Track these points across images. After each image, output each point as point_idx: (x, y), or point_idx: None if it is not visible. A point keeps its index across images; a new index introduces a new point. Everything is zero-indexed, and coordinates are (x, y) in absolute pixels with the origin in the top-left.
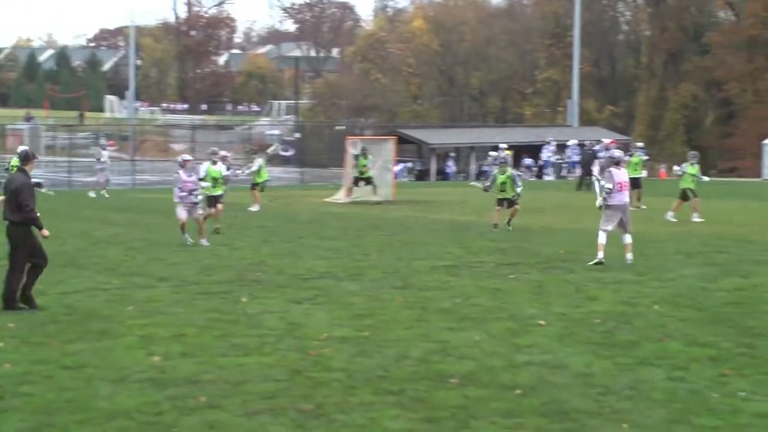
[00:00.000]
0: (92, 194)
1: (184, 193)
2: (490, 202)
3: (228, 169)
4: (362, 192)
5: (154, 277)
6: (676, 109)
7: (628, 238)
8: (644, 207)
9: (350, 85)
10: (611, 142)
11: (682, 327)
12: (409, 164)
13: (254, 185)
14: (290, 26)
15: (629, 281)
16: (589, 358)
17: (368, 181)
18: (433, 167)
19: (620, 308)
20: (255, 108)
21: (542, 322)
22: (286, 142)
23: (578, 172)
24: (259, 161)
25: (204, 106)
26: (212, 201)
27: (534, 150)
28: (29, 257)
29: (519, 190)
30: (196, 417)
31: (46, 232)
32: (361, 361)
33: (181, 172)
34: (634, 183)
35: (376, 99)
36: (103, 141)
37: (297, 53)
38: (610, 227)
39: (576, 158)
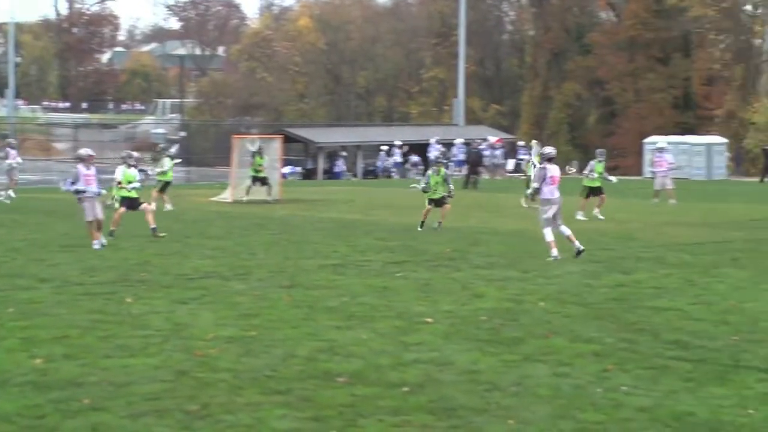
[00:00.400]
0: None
1: (87, 187)
2: (376, 200)
3: (140, 171)
4: (258, 192)
5: (35, 278)
6: (560, 108)
7: (566, 230)
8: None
9: (236, 84)
10: (497, 141)
11: (566, 323)
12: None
13: (165, 185)
14: (175, 24)
15: (515, 278)
16: (476, 355)
17: (264, 181)
18: (320, 166)
19: (506, 305)
20: (139, 106)
21: (429, 320)
22: (172, 141)
23: (464, 170)
24: (168, 161)
25: (85, 105)
26: (132, 203)
27: (421, 148)
28: None
29: (452, 188)
30: (79, 420)
31: None
32: (247, 361)
33: (80, 166)
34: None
35: (262, 97)
36: (12, 141)
37: (182, 51)
38: (550, 222)
39: (462, 157)
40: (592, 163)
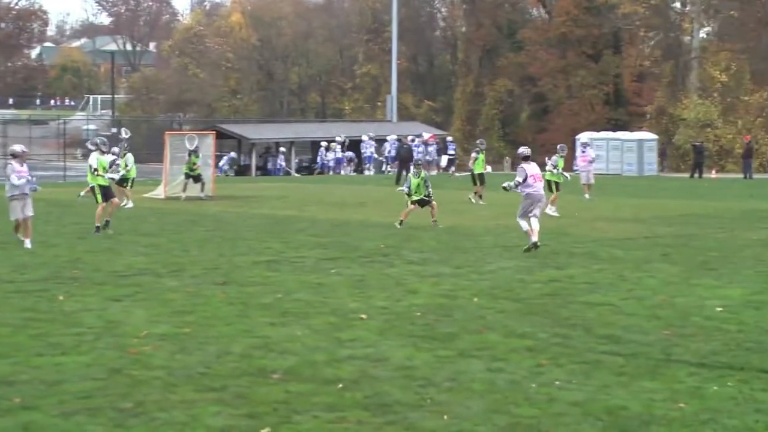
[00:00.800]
0: None
1: (22, 182)
2: (310, 196)
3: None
4: (192, 189)
5: None
6: (492, 104)
7: (536, 224)
8: (483, 203)
9: (168, 80)
10: (430, 137)
11: (500, 319)
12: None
13: (125, 181)
14: (105, 19)
15: (448, 274)
16: (410, 350)
17: (197, 178)
18: (254, 162)
19: (440, 301)
20: (69, 102)
21: (364, 316)
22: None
23: (395, 166)
24: (131, 157)
25: (12, 101)
26: (107, 192)
27: (355, 145)
28: None
29: (430, 191)
30: (9, 419)
31: None
32: (181, 358)
33: (14, 162)
34: (480, 178)
35: (194, 94)
36: None
37: (113, 47)
38: (527, 214)
39: (394, 153)
40: (554, 158)
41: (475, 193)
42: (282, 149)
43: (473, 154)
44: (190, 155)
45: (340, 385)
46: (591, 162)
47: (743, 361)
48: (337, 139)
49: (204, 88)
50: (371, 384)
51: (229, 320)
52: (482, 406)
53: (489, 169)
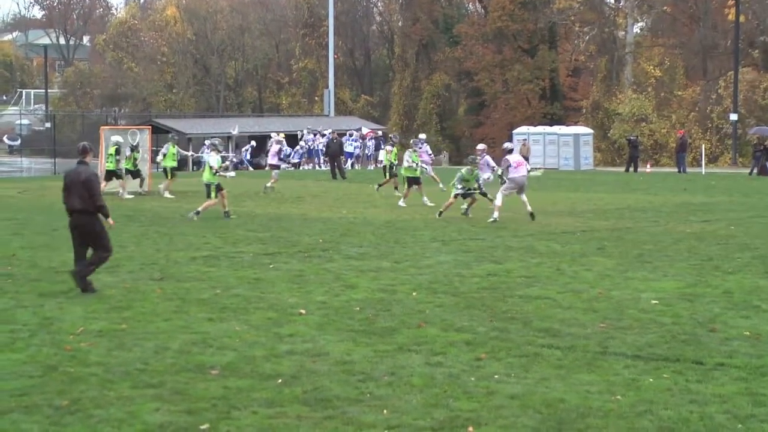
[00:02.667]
0: None
1: None
2: (249, 192)
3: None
4: (132, 185)
5: None
6: (429, 98)
7: (524, 197)
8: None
9: (102, 74)
10: (368, 132)
11: (439, 313)
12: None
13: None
14: (37, 13)
15: (387, 269)
16: (350, 345)
17: (136, 174)
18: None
19: (379, 296)
20: (1, 97)
21: (303, 311)
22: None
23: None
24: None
25: None
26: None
27: (293, 140)
28: (98, 244)
29: (481, 185)
30: None
31: (112, 221)
32: (119, 355)
33: None
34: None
35: (129, 88)
36: None
37: (45, 41)
38: (507, 193)
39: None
40: (408, 152)
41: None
42: (253, 143)
43: (389, 147)
44: (132, 150)
45: (279, 381)
46: (430, 157)
47: (678, 352)
48: (274, 136)
49: (139, 83)
50: (310, 379)
51: (166, 316)
52: (421, 400)
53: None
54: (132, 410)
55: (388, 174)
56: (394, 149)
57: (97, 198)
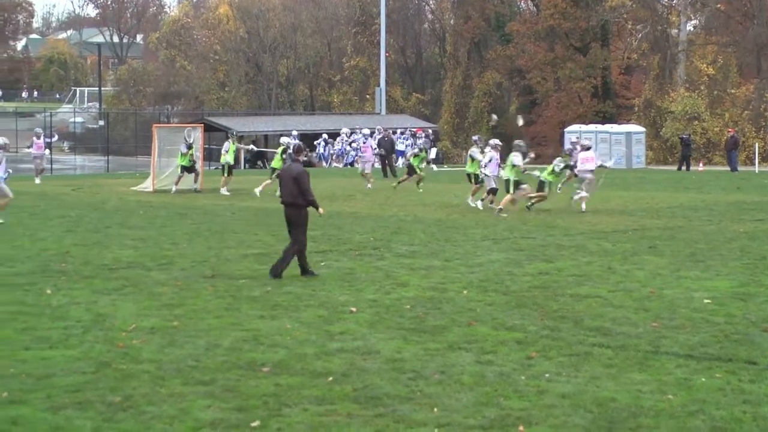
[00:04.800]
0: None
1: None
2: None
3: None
4: (186, 181)
5: None
6: (481, 96)
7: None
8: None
9: (155, 72)
10: (417, 130)
11: (489, 311)
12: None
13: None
14: (91, 11)
15: (438, 267)
16: (400, 343)
17: (191, 169)
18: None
19: (429, 294)
20: (56, 95)
21: (354, 309)
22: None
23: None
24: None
25: None
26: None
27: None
28: (292, 234)
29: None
30: None
31: (322, 209)
32: (170, 352)
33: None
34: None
35: (182, 86)
36: (38, 130)
37: (99, 39)
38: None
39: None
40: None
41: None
42: (324, 136)
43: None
44: (189, 147)
45: (330, 378)
46: (374, 153)
47: (731, 352)
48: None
49: (192, 81)
50: (361, 377)
51: (218, 313)
52: (471, 399)
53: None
54: (183, 407)
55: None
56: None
57: (307, 193)
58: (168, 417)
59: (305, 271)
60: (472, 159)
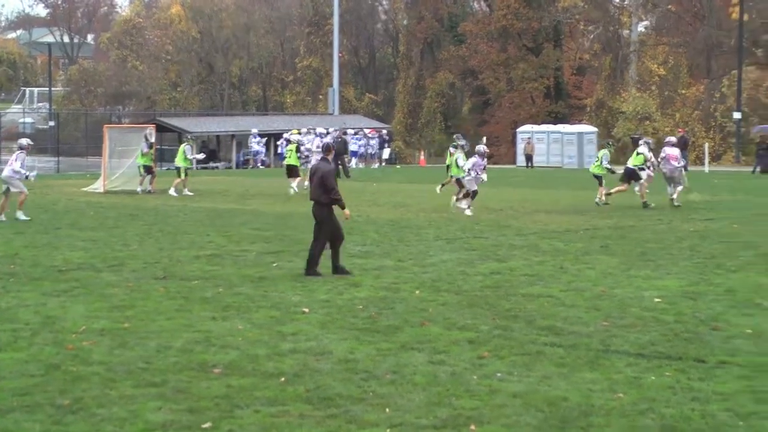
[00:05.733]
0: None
1: None
2: (253, 190)
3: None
4: (132, 183)
5: None
6: (434, 97)
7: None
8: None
9: (106, 72)
10: (371, 131)
11: (442, 311)
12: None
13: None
14: (41, 11)
15: (390, 267)
16: (352, 344)
17: (150, 170)
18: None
19: (382, 294)
20: (5, 95)
21: (306, 310)
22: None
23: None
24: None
25: None
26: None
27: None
28: (330, 233)
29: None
30: None
31: (348, 212)
32: (121, 353)
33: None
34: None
35: (133, 86)
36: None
37: (50, 39)
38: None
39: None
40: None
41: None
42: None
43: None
44: (150, 147)
45: (282, 379)
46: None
47: (680, 351)
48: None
49: (143, 81)
50: (313, 377)
51: (169, 315)
52: (424, 399)
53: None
54: (134, 409)
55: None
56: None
57: (332, 192)
58: (118, 419)
59: (336, 269)
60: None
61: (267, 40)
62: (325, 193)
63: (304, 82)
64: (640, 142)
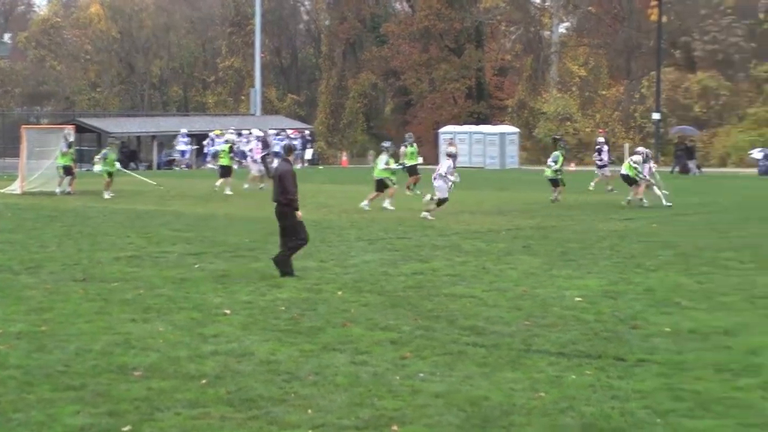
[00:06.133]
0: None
1: None
2: (174, 191)
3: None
4: (51, 184)
5: None
6: (356, 97)
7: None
8: (419, 192)
9: (24, 72)
10: (293, 132)
11: (364, 312)
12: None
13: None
14: None
15: (313, 268)
16: (275, 345)
17: (70, 171)
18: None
19: (304, 295)
20: None
21: (228, 311)
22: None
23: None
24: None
25: None
26: None
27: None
28: (291, 233)
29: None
30: None
31: (300, 213)
32: (39, 357)
33: None
34: (411, 170)
35: (52, 86)
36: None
37: None
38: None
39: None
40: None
41: (408, 186)
42: (211, 135)
43: (402, 148)
44: (70, 147)
45: (204, 381)
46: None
47: (600, 349)
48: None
49: (62, 81)
50: (235, 379)
51: (88, 317)
52: (346, 400)
53: (421, 160)
54: (52, 413)
55: (408, 172)
56: (410, 148)
57: (288, 192)
58: (36, 423)
59: (278, 261)
60: (386, 165)
61: (188, 40)
62: (282, 194)
63: (225, 83)
64: (641, 152)
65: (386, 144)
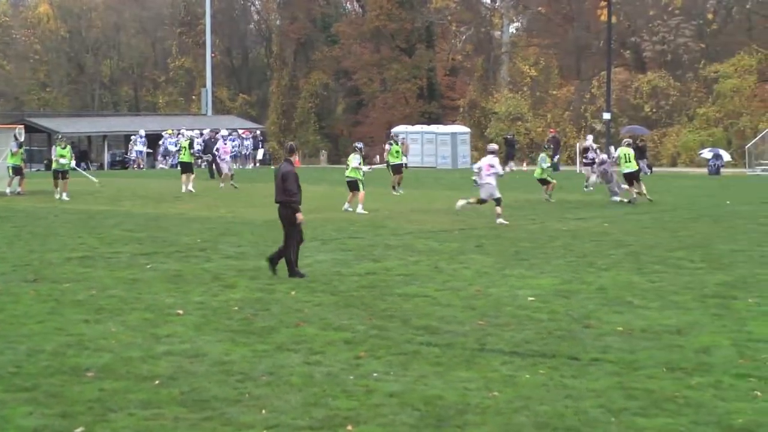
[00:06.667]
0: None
1: None
2: (125, 191)
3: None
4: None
5: None
6: (307, 97)
7: (498, 209)
8: (402, 192)
9: None
10: (244, 132)
11: (318, 312)
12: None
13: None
14: None
15: (266, 268)
16: (228, 345)
17: (19, 171)
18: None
19: (257, 295)
20: None
21: (180, 312)
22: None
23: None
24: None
25: None
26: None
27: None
28: (299, 232)
29: None
30: None
31: (301, 216)
32: None
33: None
34: (396, 169)
35: (1, 86)
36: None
37: None
38: (472, 199)
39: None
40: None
41: (393, 184)
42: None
43: (386, 146)
44: (20, 147)
45: (157, 382)
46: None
47: (554, 348)
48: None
49: (11, 81)
50: (188, 380)
51: (40, 318)
52: (300, 400)
53: (406, 159)
54: (4, 414)
55: (392, 171)
56: (394, 147)
57: (288, 193)
58: None
59: (272, 261)
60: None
61: (138, 40)
62: (284, 194)
63: (176, 83)
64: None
65: (359, 144)
